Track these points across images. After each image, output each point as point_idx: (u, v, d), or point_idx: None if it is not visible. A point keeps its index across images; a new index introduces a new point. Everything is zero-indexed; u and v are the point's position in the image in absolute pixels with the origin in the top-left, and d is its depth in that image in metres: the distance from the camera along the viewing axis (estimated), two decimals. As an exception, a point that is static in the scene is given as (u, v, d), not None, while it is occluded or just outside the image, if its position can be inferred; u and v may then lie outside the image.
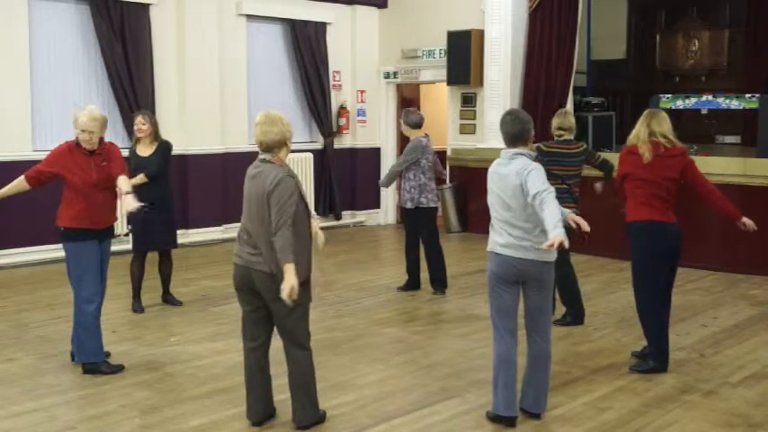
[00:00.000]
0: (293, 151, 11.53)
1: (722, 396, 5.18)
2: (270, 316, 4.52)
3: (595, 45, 12.87)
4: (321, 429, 4.63)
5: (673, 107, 10.39)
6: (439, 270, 7.87)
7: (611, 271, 8.93)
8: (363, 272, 9.00)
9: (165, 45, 10.21)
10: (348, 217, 12.41)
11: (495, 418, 4.70)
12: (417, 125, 7.74)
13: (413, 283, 7.97)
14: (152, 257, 7.27)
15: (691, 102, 10.35)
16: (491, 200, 4.68)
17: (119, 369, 5.54)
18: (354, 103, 12.45)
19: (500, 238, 4.62)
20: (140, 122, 7.04)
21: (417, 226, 7.83)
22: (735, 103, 9.95)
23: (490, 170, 4.71)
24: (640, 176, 5.54)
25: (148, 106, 9.75)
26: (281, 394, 4.72)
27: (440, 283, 7.87)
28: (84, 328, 5.44)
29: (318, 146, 11.96)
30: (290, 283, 4.21)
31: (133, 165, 6.89)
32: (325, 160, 11.93)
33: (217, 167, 10.56)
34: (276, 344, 4.63)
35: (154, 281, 7.38)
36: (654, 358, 5.62)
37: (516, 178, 4.50)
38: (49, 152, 5.64)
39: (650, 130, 5.52)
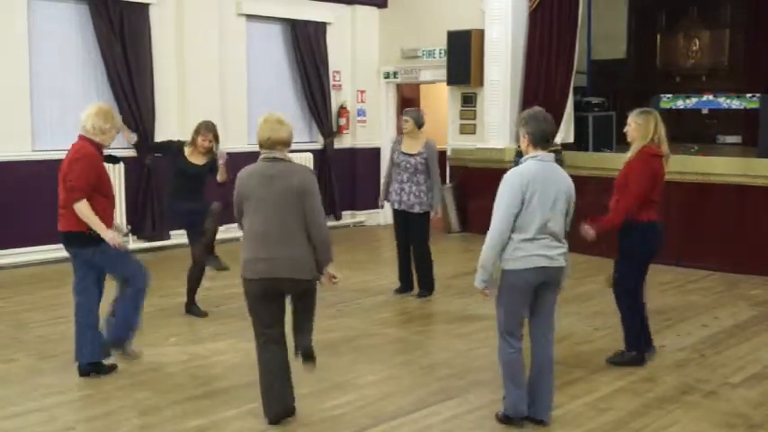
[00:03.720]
0: (293, 151, 11.51)
1: (723, 396, 5.18)
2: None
3: (595, 45, 12.84)
4: (321, 429, 4.63)
5: (673, 107, 10.39)
6: (430, 273, 7.88)
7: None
8: (363, 272, 8.99)
9: (165, 45, 10.20)
10: (348, 217, 12.41)
11: (507, 420, 4.66)
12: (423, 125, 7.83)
13: (409, 285, 7.96)
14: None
15: (691, 102, 10.34)
16: (551, 208, 4.47)
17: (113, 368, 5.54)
18: (354, 103, 12.45)
19: (550, 251, 4.49)
20: (207, 140, 6.90)
21: (416, 229, 7.79)
22: (735, 103, 9.94)
23: (536, 173, 4.48)
24: (662, 176, 5.66)
25: (148, 106, 9.76)
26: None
27: (430, 286, 7.88)
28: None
29: (318, 146, 11.96)
30: (335, 274, 4.65)
31: (192, 172, 6.88)
32: (325, 160, 11.92)
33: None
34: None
35: (157, 281, 7.30)
36: (635, 349, 5.74)
37: (571, 184, 4.57)
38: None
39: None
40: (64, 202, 5.26)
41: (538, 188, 4.43)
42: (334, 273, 4.62)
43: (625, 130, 5.72)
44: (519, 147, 6.68)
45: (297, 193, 4.48)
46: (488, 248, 4.44)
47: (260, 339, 4.63)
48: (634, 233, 5.57)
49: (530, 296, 4.56)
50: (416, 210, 7.66)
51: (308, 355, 4.68)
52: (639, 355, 5.75)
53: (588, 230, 5.49)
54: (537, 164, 4.52)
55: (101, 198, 5.26)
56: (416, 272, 7.86)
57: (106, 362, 5.51)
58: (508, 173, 4.53)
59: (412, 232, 7.78)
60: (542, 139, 4.55)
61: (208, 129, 6.91)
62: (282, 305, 4.64)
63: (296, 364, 4.71)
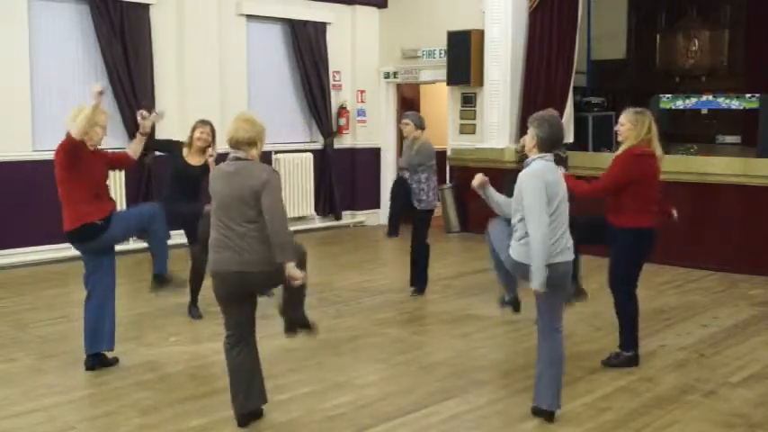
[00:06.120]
0: (293, 151, 11.51)
1: (723, 396, 5.18)
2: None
3: (595, 45, 12.86)
4: (321, 429, 4.63)
5: (673, 107, 10.39)
6: (425, 272, 7.91)
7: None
8: (363, 272, 8.99)
9: (165, 45, 10.20)
10: (348, 217, 12.40)
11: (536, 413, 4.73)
12: (424, 127, 7.85)
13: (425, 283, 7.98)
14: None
15: (691, 102, 10.34)
16: (560, 204, 4.56)
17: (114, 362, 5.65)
18: (354, 103, 12.44)
19: (567, 243, 4.63)
20: (205, 133, 6.87)
21: (417, 226, 7.80)
22: (735, 103, 9.94)
23: (548, 172, 4.55)
24: (654, 176, 5.62)
25: (148, 106, 9.73)
26: (280, 394, 4.71)
27: (424, 284, 7.92)
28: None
29: (318, 146, 11.96)
30: (297, 275, 4.32)
31: (190, 173, 6.82)
32: (325, 160, 11.92)
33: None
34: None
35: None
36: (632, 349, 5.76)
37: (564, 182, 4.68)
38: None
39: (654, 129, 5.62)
40: (62, 195, 5.35)
41: (552, 187, 4.53)
42: (293, 273, 4.30)
43: (616, 129, 5.71)
44: (520, 147, 6.71)
45: (253, 191, 4.34)
46: (538, 254, 4.44)
47: (225, 339, 4.64)
48: (625, 238, 5.58)
49: (565, 287, 4.73)
50: (416, 206, 7.69)
51: (305, 326, 4.87)
52: (635, 354, 5.76)
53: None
54: (546, 164, 4.60)
55: (75, 182, 5.32)
56: (412, 267, 7.88)
57: (109, 355, 5.65)
58: (525, 176, 4.56)
59: (413, 229, 7.82)
60: (551, 146, 4.63)
61: (204, 122, 6.92)
62: (245, 309, 4.56)
63: (288, 364, 4.70)
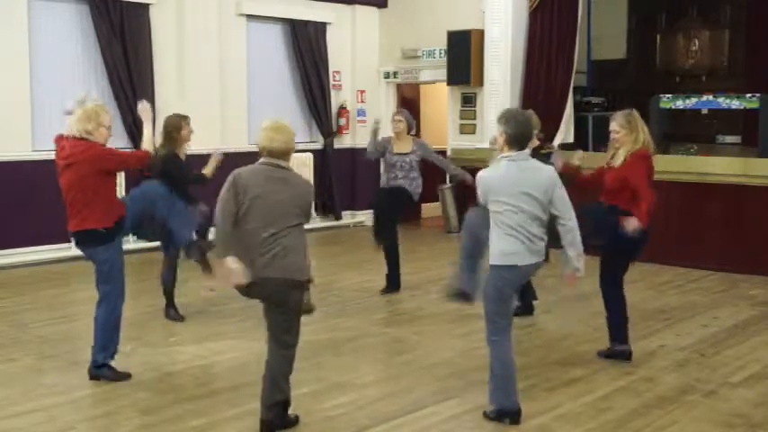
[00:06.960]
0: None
1: (723, 396, 5.18)
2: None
3: (595, 45, 12.86)
4: (321, 429, 4.63)
5: (673, 107, 10.38)
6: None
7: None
8: (363, 272, 8.98)
9: (165, 45, 10.21)
10: (348, 217, 12.40)
11: (499, 416, 4.71)
12: (413, 127, 7.91)
13: (396, 284, 7.95)
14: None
15: (691, 102, 10.33)
16: (522, 205, 4.50)
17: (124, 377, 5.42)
18: (354, 103, 12.45)
19: (537, 245, 4.58)
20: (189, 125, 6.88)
21: (395, 204, 7.79)
22: (735, 103, 9.93)
23: (505, 173, 4.53)
24: (651, 176, 5.69)
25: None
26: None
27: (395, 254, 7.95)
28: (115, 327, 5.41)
29: (318, 146, 11.96)
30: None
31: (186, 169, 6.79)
32: (324, 160, 11.93)
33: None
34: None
35: (156, 281, 7.30)
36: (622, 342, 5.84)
37: (549, 180, 4.58)
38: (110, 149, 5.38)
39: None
40: (75, 202, 5.20)
41: (506, 188, 4.49)
42: None
43: (613, 137, 5.68)
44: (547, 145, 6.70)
45: (302, 203, 4.45)
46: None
47: None
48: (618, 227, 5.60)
49: (513, 292, 4.72)
50: (415, 198, 7.75)
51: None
52: (627, 348, 5.81)
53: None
54: (509, 164, 4.57)
55: (110, 180, 5.32)
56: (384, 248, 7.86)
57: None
58: (481, 172, 4.62)
59: (390, 206, 7.76)
60: (518, 141, 4.58)
61: (184, 116, 6.85)
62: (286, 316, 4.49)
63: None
